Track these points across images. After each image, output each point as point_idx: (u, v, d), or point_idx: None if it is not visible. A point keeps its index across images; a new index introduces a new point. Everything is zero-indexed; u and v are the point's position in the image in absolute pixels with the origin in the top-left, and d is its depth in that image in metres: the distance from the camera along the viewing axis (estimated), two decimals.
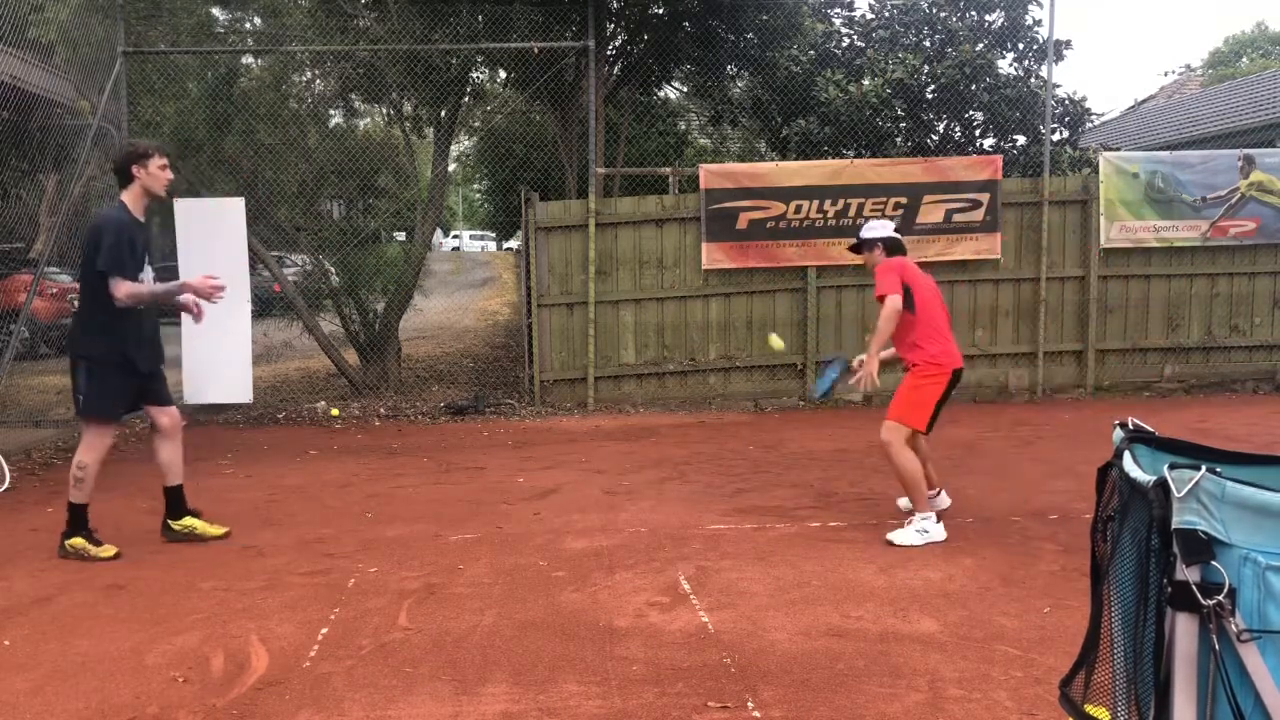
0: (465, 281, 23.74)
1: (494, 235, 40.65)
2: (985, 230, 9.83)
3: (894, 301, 5.19)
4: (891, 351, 5.51)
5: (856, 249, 5.67)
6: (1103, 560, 1.78)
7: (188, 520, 5.35)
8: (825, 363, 6.76)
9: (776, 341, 6.69)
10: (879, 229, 5.62)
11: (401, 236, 12.84)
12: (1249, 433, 7.96)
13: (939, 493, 5.51)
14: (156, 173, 5.04)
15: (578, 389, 9.83)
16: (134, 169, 5.02)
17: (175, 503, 5.35)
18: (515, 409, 9.71)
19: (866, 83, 11.02)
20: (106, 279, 4.89)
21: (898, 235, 5.63)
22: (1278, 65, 25.33)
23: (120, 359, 5.03)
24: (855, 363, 5.59)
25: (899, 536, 5.14)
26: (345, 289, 10.44)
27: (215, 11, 10.47)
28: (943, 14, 11.59)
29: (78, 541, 5.01)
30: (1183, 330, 10.30)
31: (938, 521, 5.21)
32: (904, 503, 5.65)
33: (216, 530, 5.37)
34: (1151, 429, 1.86)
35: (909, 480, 5.19)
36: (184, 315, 8.58)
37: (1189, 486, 1.49)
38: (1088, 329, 10.10)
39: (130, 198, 5.06)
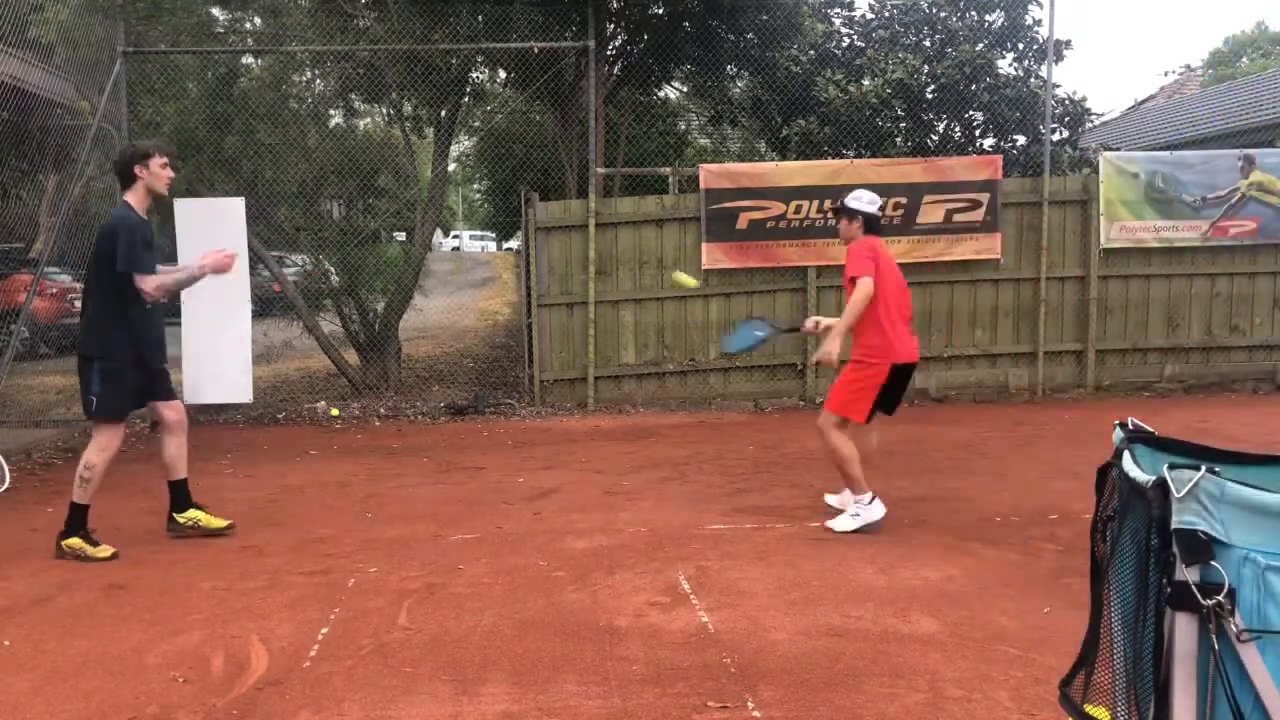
0: (465, 281, 23.72)
1: (494, 235, 40.61)
2: (985, 230, 9.83)
3: (867, 285, 5.16)
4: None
5: (837, 212, 5.57)
6: (1103, 560, 1.78)
7: (192, 512, 5.36)
8: (755, 320, 6.52)
9: (685, 279, 6.74)
10: (865, 201, 5.47)
11: (401, 236, 12.84)
12: (1249, 433, 7.96)
13: (873, 499, 5.35)
14: (159, 171, 5.08)
15: (578, 389, 9.84)
16: (136, 169, 5.05)
17: (180, 496, 5.36)
18: (515, 409, 9.71)
19: (866, 83, 11.01)
20: (126, 279, 4.93)
21: (879, 214, 5.53)
22: (1278, 65, 25.32)
23: (135, 358, 5.06)
24: (810, 324, 5.77)
25: (838, 523, 5.30)
26: (345, 289, 10.44)
27: (215, 11, 10.47)
28: (943, 14, 11.58)
29: (74, 542, 5.00)
30: (1183, 330, 10.30)
31: (871, 501, 5.28)
32: (832, 499, 5.79)
33: (220, 522, 5.38)
34: (1151, 429, 1.86)
35: (845, 461, 5.26)
36: (185, 314, 8.58)
37: (1188, 487, 1.49)
38: (1088, 329, 10.10)
39: (134, 198, 5.09)
